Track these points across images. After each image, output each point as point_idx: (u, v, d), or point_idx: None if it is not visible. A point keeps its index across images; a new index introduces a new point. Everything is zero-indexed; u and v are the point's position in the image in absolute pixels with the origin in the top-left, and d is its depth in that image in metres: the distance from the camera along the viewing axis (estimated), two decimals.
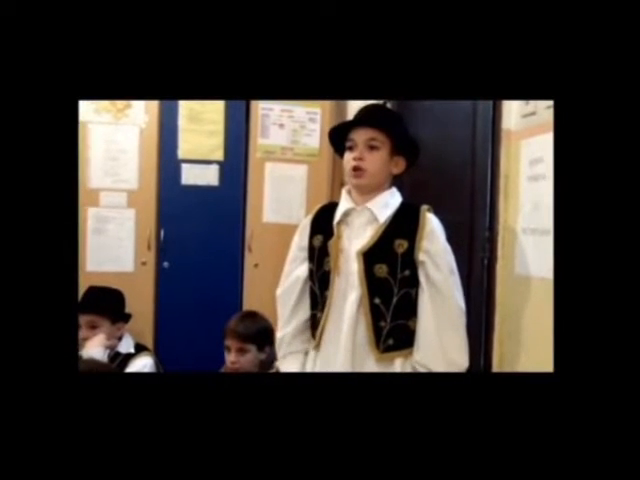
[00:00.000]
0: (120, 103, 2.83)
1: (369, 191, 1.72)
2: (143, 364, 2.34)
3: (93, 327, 2.32)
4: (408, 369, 1.68)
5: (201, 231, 2.90)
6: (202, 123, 2.89)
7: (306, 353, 1.81)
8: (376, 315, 1.67)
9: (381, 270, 1.66)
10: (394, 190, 1.77)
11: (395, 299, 1.66)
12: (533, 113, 1.80)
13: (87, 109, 2.80)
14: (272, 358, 2.19)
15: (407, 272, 1.66)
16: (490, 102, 2.02)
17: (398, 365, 1.68)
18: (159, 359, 2.61)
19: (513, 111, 1.92)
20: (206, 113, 2.89)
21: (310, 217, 1.83)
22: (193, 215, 2.90)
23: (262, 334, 2.22)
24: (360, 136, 1.69)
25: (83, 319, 2.32)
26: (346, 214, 1.73)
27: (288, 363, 1.82)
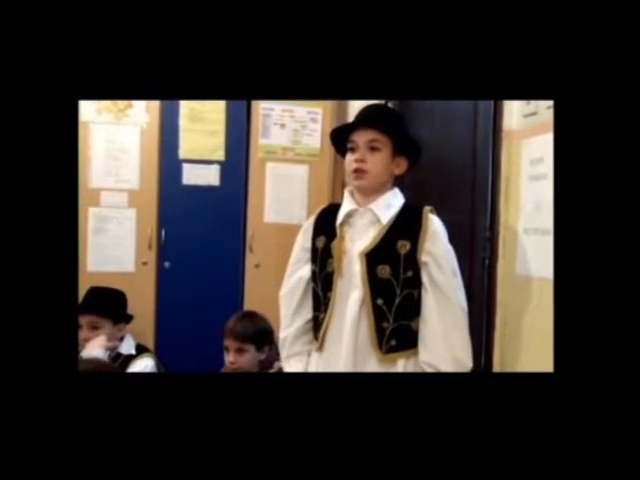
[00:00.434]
0: (121, 103, 2.83)
1: (371, 192, 1.72)
2: (144, 365, 2.33)
3: (95, 328, 2.31)
4: (411, 370, 1.68)
5: (202, 231, 2.90)
6: (203, 123, 2.89)
7: (309, 354, 1.81)
8: (379, 316, 1.67)
9: (384, 271, 1.66)
10: (396, 191, 1.77)
11: (398, 300, 1.66)
12: (534, 113, 1.80)
13: (89, 109, 2.80)
14: (272, 358, 2.20)
15: (410, 273, 1.66)
16: (491, 102, 2.02)
17: (401, 366, 1.68)
18: (160, 359, 2.61)
19: (514, 111, 1.92)
20: (207, 113, 2.89)
21: (313, 218, 1.83)
22: (194, 215, 2.90)
23: (261, 334, 2.22)
24: (361, 137, 1.69)
25: (84, 320, 2.32)
26: (349, 215, 1.73)
27: (291, 365, 1.82)
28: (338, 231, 1.72)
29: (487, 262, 2.04)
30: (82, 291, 2.43)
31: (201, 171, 2.91)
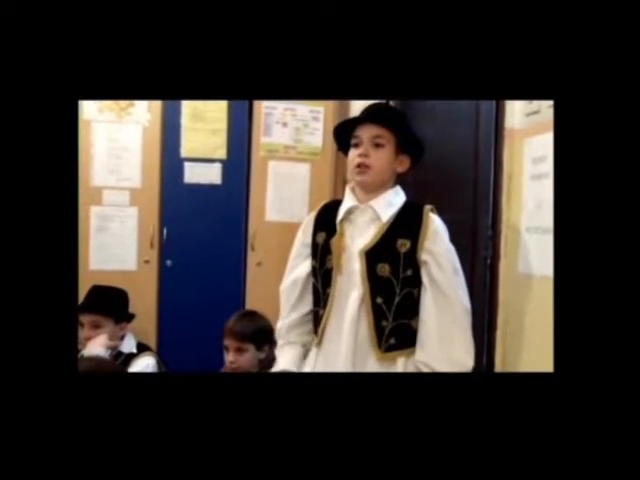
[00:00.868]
0: (123, 102, 2.82)
1: (373, 189, 1.72)
2: (145, 364, 2.34)
3: (96, 327, 2.31)
4: (410, 368, 1.68)
5: (204, 229, 2.90)
6: (205, 122, 2.89)
7: (304, 345, 1.82)
8: (378, 314, 1.67)
9: (383, 269, 1.66)
10: (398, 189, 1.76)
11: (397, 299, 1.66)
12: (536, 112, 1.80)
13: (91, 108, 2.80)
14: (272, 357, 2.19)
15: (409, 272, 1.66)
16: (493, 101, 2.02)
17: (400, 364, 1.68)
18: (161, 357, 2.61)
19: (516, 110, 1.91)
20: (209, 112, 2.88)
21: (314, 214, 1.83)
22: (196, 213, 2.90)
23: (260, 333, 2.22)
24: (365, 133, 1.70)
25: (86, 318, 2.32)
26: (349, 212, 1.73)
27: (284, 353, 1.83)
28: (338, 227, 1.72)
29: (489, 261, 2.04)
30: (84, 290, 2.44)
31: (203, 170, 2.90)
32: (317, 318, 1.77)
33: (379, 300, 1.66)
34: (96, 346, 2.17)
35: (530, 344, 1.82)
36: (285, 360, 1.81)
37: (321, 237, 1.75)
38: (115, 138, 2.84)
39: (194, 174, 2.90)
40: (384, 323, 1.66)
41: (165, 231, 2.89)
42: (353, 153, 1.71)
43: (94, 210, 2.83)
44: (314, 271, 1.77)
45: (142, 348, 2.45)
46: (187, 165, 2.90)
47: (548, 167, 1.70)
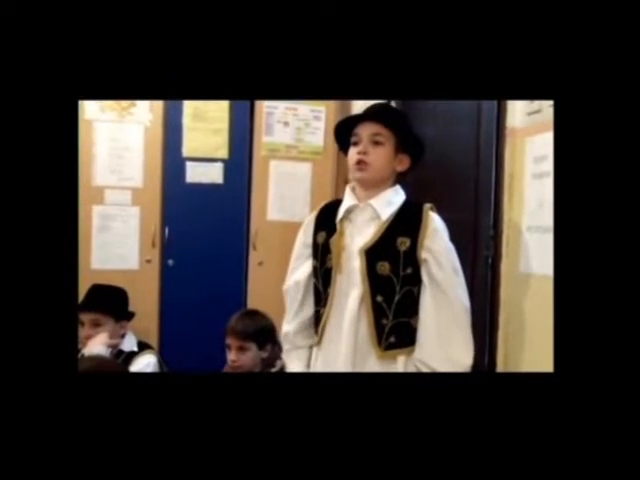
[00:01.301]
0: (125, 102, 2.83)
1: (372, 186, 1.72)
2: (146, 362, 2.34)
3: (96, 325, 2.32)
4: (411, 367, 1.68)
5: (205, 229, 2.90)
6: (207, 121, 2.89)
7: (311, 347, 1.82)
8: (378, 313, 1.67)
9: (383, 268, 1.66)
10: (398, 188, 1.77)
11: (397, 297, 1.66)
12: (538, 111, 1.79)
13: (92, 107, 2.80)
14: (274, 356, 2.19)
15: (409, 270, 1.66)
16: (494, 100, 2.02)
17: (401, 363, 1.68)
18: (163, 357, 2.61)
19: (518, 109, 1.91)
20: (211, 111, 2.88)
21: (314, 214, 1.84)
22: (197, 213, 2.90)
23: (262, 332, 2.22)
24: (365, 131, 1.70)
25: (86, 317, 2.32)
26: (349, 211, 1.73)
27: (291, 358, 1.85)
28: (338, 227, 1.72)
29: (490, 260, 2.03)
30: (86, 289, 2.45)
31: (204, 169, 2.90)
32: (318, 317, 1.77)
33: (379, 298, 1.66)
34: (97, 345, 2.17)
35: (532, 343, 1.82)
36: (295, 367, 1.82)
37: (321, 237, 1.76)
38: (117, 138, 2.85)
39: (196, 174, 2.90)
40: (384, 321, 1.66)
41: (167, 230, 2.89)
42: (353, 151, 1.72)
43: (96, 209, 2.83)
44: (315, 271, 1.77)
45: (143, 346, 2.45)
46: (189, 165, 2.90)
47: (549, 166, 1.69)
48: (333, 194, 2.84)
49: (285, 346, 1.87)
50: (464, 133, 2.22)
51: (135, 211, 2.86)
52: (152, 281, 2.87)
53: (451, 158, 2.30)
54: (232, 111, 2.90)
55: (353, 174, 1.73)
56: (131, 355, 2.37)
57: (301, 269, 1.82)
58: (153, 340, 2.77)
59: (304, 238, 1.83)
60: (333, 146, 1.94)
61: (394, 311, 1.66)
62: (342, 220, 1.73)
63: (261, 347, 2.22)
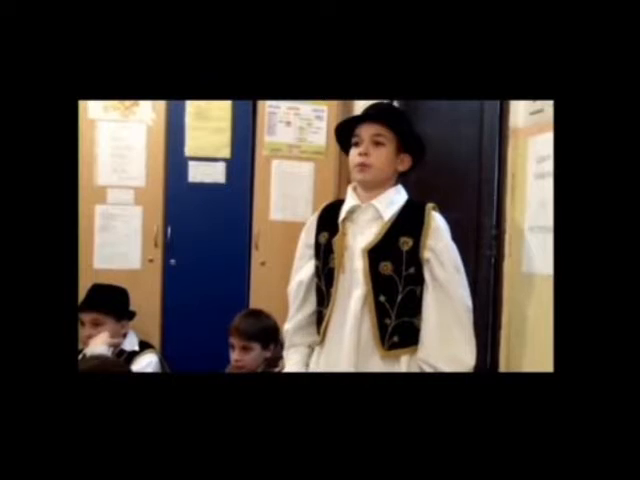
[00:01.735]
0: (128, 101, 2.82)
1: (374, 187, 1.72)
2: (147, 362, 2.34)
3: (97, 325, 2.32)
4: (414, 366, 1.68)
5: (208, 229, 2.89)
6: (209, 121, 2.88)
7: (309, 346, 1.82)
8: (381, 312, 1.67)
9: (386, 268, 1.66)
10: (400, 187, 1.76)
11: (400, 297, 1.66)
12: (540, 110, 1.79)
13: (95, 107, 2.80)
14: (278, 356, 2.19)
15: (412, 270, 1.66)
16: (497, 100, 2.01)
17: (404, 362, 1.68)
18: (165, 356, 2.61)
19: (520, 108, 1.91)
20: (213, 110, 2.88)
21: (316, 214, 1.84)
22: (200, 213, 2.89)
23: (266, 332, 2.23)
24: (366, 131, 1.70)
25: (87, 317, 2.33)
26: (351, 211, 1.73)
27: (290, 355, 1.85)
28: (340, 227, 1.72)
29: (493, 260, 2.03)
30: (88, 288, 2.45)
31: (207, 169, 2.90)
32: (320, 317, 1.77)
33: (382, 298, 1.66)
34: (98, 344, 2.17)
35: (534, 343, 1.82)
36: (291, 365, 1.83)
37: (324, 237, 1.76)
38: (119, 137, 2.84)
39: (198, 173, 2.90)
40: (387, 321, 1.66)
41: (169, 230, 2.88)
42: (354, 152, 1.72)
43: (98, 209, 2.82)
44: (317, 271, 1.77)
45: (144, 346, 2.45)
46: (191, 164, 2.90)
47: (552, 166, 1.69)
48: (335, 194, 2.83)
49: (285, 344, 1.89)
50: (467, 133, 2.22)
51: (137, 210, 2.86)
52: (154, 281, 2.86)
53: (454, 158, 2.30)
54: (234, 111, 2.89)
55: (355, 176, 1.73)
56: (133, 354, 2.37)
57: (304, 269, 1.82)
58: (155, 339, 2.77)
59: (306, 239, 1.83)
60: (335, 146, 1.92)
61: (397, 311, 1.66)
62: (344, 220, 1.73)
63: (264, 347, 2.23)
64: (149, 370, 2.33)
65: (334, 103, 2.89)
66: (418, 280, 1.67)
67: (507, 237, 1.97)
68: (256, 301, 2.82)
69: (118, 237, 2.84)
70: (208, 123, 2.88)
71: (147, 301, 2.76)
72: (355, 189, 1.76)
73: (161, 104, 2.84)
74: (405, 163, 1.74)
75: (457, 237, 1.72)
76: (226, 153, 2.91)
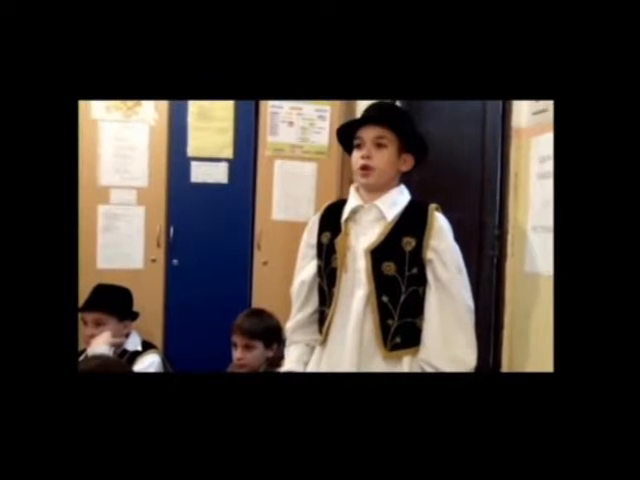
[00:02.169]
0: (130, 101, 2.82)
1: (377, 189, 1.72)
2: (150, 362, 2.34)
3: (99, 324, 2.32)
4: (416, 367, 1.68)
5: (210, 229, 2.89)
6: (211, 120, 2.88)
7: (308, 344, 1.82)
8: (384, 313, 1.66)
9: (389, 268, 1.66)
10: (402, 188, 1.76)
11: (403, 297, 1.66)
12: (543, 111, 1.78)
13: (98, 107, 2.80)
14: (280, 356, 2.19)
15: (415, 270, 1.66)
16: (499, 100, 2.01)
17: (406, 363, 1.68)
18: (168, 356, 2.62)
19: (523, 108, 1.90)
20: (215, 110, 2.88)
21: (319, 214, 1.84)
22: (202, 213, 2.89)
23: (269, 331, 2.23)
24: (368, 134, 1.69)
25: (90, 316, 2.33)
26: (354, 211, 1.73)
27: (289, 352, 1.86)
28: (343, 227, 1.72)
29: (496, 260, 2.03)
30: (92, 288, 2.45)
31: (209, 169, 2.90)
32: (322, 317, 1.77)
33: (385, 298, 1.66)
34: (99, 344, 2.17)
35: (537, 343, 1.81)
36: (289, 361, 1.83)
37: (326, 237, 1.76)
38: (122, 137, 2.85)
39: (200, 173, 2.90)
40: (389, 322, 1.66)
41: (172, 230, 2.89)
42: (356, 155, 1.71)
43: (101, 209, 2.83)
44: (320, 271, 1.77)
45: (147, 346, 2.45)
46: (194, 164, 2.90)
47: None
48: (338, 194, 2.83)
49: (287, 341, 1.89)
50: (470, 133, 2.21)
51: (140, 211, 2.86)
52: (157, 281, 2.87)
53: (456, 158, 2.29)
54: (237, 111, 2.89)
55: (358, 178, 1.73)
56: (135, 355, 2.37)
57: (306, 269, 1.82)
58: (158, 339, 2.78)
59: (308, 239, 1.83)
60: (338, 146, 1.92)
61: (400, 311, 1.66)
62: (347, 220, 1.72)
63: (267, 346, 2.23)
64: (151, 370, 2.33)
65: (337, 103, 2.89)
66: (421, 280, 1.67)
67: (510, 237, 1.97)
68: (258, 301, 2.82)
69: (121, 237, 2.84)
70: (211, 123, 2.88)
71: (149, 301, 2.76)
72: (358, 189, 1.76)
73: (164, 104, 2.84)
74: (407, 163, 1.74)
75: (459, 237, 1.72)
76: (228, 153, 2.91)
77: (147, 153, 2.85)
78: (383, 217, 1.69)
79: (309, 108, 2.89)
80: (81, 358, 2.03)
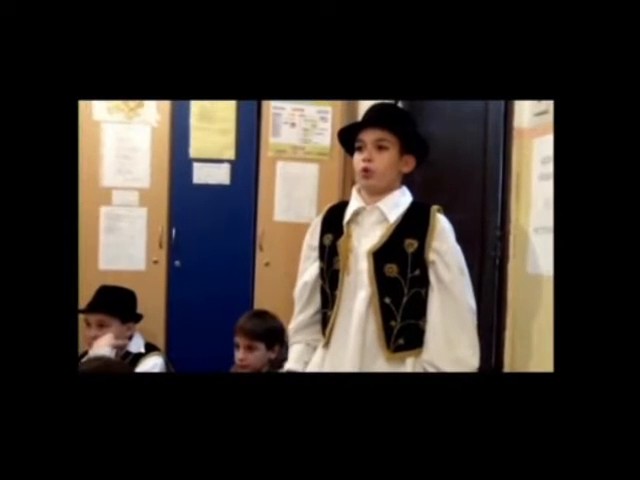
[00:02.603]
0: (132, 102, 2.83)
1: (379, 191, 1.72)
2: (153, 364, 2.34)
3: (102, 326, 2.32)
4: (419, 368, 1.68)
5: (212, 230, 2.89)
6: (213, 121, 2.89)
7: (308, 344, 1.83)
8: (386, 315, 1.66)
9: (391, 270, 1.66)
10: (404, 189, 1.76)
11: (405, 299, 1.66)
12: (545, 111, 1.78)
13: (100, 108, 2.81)
14: (282, 357, 2.19)
15: (417, 272, 1.66)
16: (502, 100, 2.00)
17: (409, 365, 1.68)
18: (170, 357, 2.62)
19: (525, 109, 1.90)
20: (217, 111, 2.88)
21: (321, 216, 1.84)
22: (204, 214, 2.89)
23: (271, 333, 2.23)
24: (369, 136, 1.69)
25: (93, 318, 2.33)
26: (356, 213, 1.73)
27: (290, 352, 1.87)
28: (345, 229, 1.72)
29: (498, 261, 2.02)
30: (94, 290, 2.45)
31: (211, 170, 2.90)
32: (325, 319, 1.77)
33: (387, 300, 1.66)
34: (101, 346, 2.17)
35: (539, 344, 1.81)
36: (289, 360, 1.84)
37: (328, 239, 1.76)
38: (124, 138, 2.85)
39: (203, 174, 2.90)
40: (392, 323, 1.66)
41: (174, 231, 2.89)
42: (357, 157, 1.71)
43: (103, 210, 2.83)
44: (322, 273, 1.77)
45: (150, 348, 2.45)
46: (196, 165, 2.90)
47: None
48: (340, 195, 2.83)
49: (289, 342, 1.89)
50: (471, 133, 2.21)
51: (142, 212, 2.86)
52: (159, 282, 2.87)
53: (458, 159, 2.29)
54: (239, 112, 2.89)
55: (360, 181, 1.73)
56: (138, 356, 2.37)
57: (308, 271, 1.83)
58: (160, 341, 2.78)
59: (310, 240, 1.83)
60: (340, 147, 1.92)
61: (402, 313, 1.66)
62: (349, 222, 1.72)
63: (269, 347, 2.23)
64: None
65: (339, 104, 2.89)
66: (423, 282, 1.67)
67: (512, 238, 1.96)
68: (260, 302, 2.82)
69: (123, 238, 2.84)
70: (213, 124, 2.89)
71: (152, 302, 2.76)
72: (360, 191, 1.76)
73: (166, 105, 2.85)
74: (409, 164, 1.74)
75: (461, 238, 1.71)
76: (231, 154, 2.91)
77: (149, 154, 2.85)
78: (385, 219, 1.69)
79: (311, 109, 2.89)
80: (84, 360, 2.03)
